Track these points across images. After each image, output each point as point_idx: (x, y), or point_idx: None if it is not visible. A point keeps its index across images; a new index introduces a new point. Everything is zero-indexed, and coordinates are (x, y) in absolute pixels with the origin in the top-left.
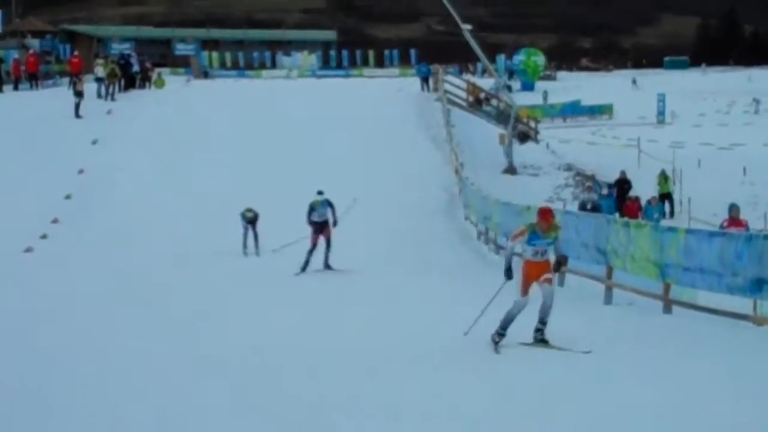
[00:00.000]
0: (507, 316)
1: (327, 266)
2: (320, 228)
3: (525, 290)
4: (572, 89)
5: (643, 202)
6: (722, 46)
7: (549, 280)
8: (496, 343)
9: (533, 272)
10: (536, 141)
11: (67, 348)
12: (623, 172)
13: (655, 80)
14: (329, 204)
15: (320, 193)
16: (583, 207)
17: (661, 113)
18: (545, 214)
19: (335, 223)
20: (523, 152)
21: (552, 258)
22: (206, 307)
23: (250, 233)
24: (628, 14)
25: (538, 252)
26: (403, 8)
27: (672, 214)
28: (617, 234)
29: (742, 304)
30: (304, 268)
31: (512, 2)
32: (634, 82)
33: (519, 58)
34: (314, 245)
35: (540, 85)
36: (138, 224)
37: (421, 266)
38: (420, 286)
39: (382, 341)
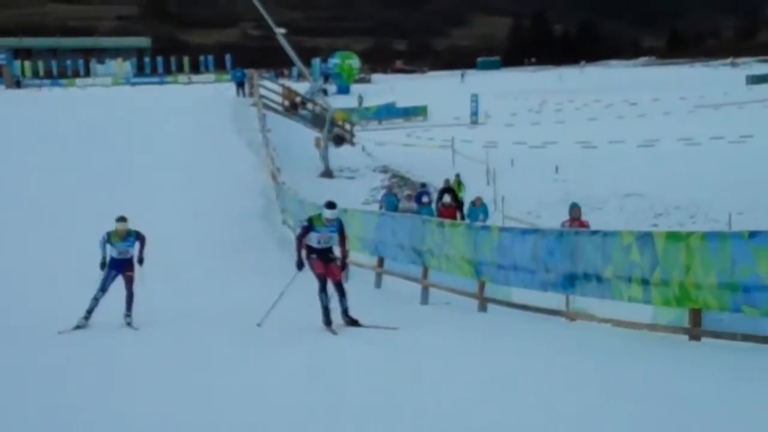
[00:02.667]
0: None
1: (349, 319)
2: (324, 258)
3: None
4: (387, 91)
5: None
6: (534, 46)
7: None
8: None
9: None
10: (352, 144)
11: None
12: (447, 181)
13: (471, 80)
14: (339, 226)
15: (331, 206)
16: None
17: (474, 113)
18: None
19: (344, 257)
20: (340, 155)
21: None
22: None
23: (119, 279)
24: (442, 16)
25: None
26: (218, 13)
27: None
28: (432, 234)
29: (555, 300)
30: (328, 319)
31: (327, 6)
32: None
33: (334, 61)
34: (324, 280)
35: (356, 88)
36: None
37: (241, 273)
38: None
39: None
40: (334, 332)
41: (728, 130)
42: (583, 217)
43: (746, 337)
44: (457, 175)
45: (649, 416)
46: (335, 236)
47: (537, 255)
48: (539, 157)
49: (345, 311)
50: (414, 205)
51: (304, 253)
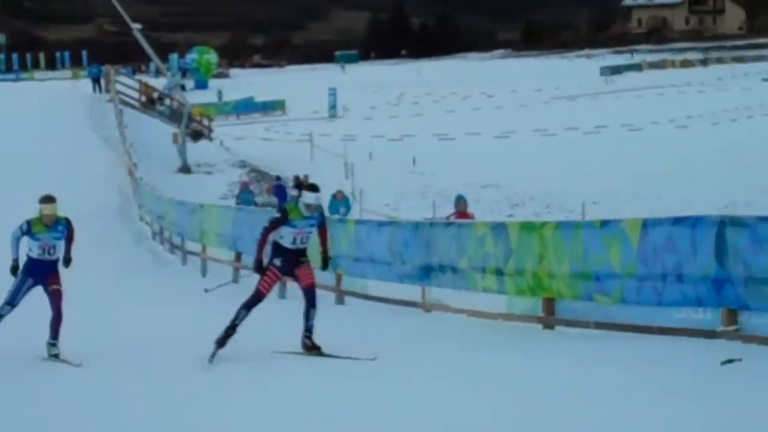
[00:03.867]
0: None
1: (311, 344)
2: (292, 262)
3: None
4: (245, 86)
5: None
6: (392, 40)
7: None
8: None
9: None
10: (210, 139)
11: None
12: (297, 178)
13: (329, 75)
14: (321, 218)
15: (314, 188)
16: None
17: (332, 107)
18: None
19: (325, 254)
20: (198, 150)
21: None
22: None
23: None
24: (299, 10)
25: None
26: (74, 9)
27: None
28: None
29: (412, 291)
30: (225, 339)
31: (184, 1)
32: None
33: (191, 56)
34: (260, 298)
35: (214, 83)
36: None
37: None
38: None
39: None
40: (212, 357)
41: (583, 121)
42: (453, 209)
43: (598, 325)
44: (306, 176)
45: (504, 405)
46: (314, 232)
47: (393, 247)
48: (397, 150)
49: (309, 330)
50: (274, 198)
51: (267, 250)
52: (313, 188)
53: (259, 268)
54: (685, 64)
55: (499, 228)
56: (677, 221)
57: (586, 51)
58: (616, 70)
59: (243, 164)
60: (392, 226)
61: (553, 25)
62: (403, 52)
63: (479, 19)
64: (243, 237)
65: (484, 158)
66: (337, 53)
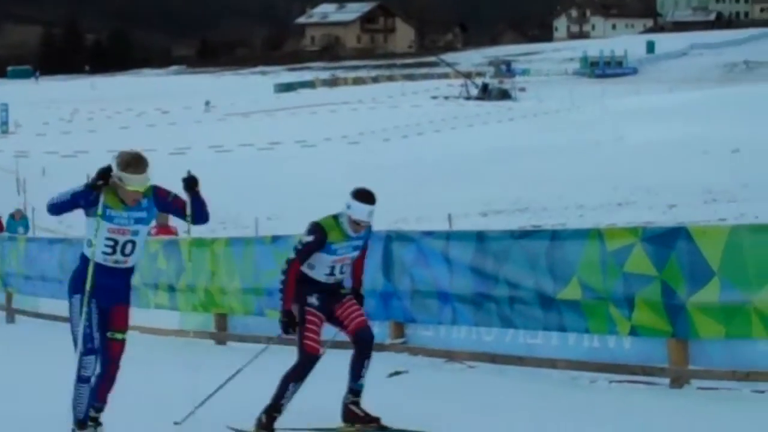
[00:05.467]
0: None
1: (361, 413)
2: (331, 297)
3: None
4: None
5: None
6: (67, 55)
7: None
8: None
9: None
10: None
11: None
12: None
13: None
14: (367, 239)
15: (369, 198)
16: None
17: (4, 123)
18: None
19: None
20: None
21: None
22: None
23: None
24: None
25: None
26: None
27: None
28: None
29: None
30: (270, 426)
31: None
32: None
33: None
34: (314, 360)
35: None
36: None
37: None
38: None
39: None
40: None
41: (257, 138)
42: None
43: (269, 339)
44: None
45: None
46: (355, 257)
47: (64, 265)
48: (71, 167)
49: (357, 393)
50: None
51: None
52: (367, 198)
53: (291, 321)
54: (357, 81)
55: (170, 245)
56: None
57: (261, 68)
58: (289, 87)
59: None
60: (63, 243)
61: (229, 43)
62: (87, 68)
63: (154, 35)
64: None
65: (159, 175)
66: (10, 68)
